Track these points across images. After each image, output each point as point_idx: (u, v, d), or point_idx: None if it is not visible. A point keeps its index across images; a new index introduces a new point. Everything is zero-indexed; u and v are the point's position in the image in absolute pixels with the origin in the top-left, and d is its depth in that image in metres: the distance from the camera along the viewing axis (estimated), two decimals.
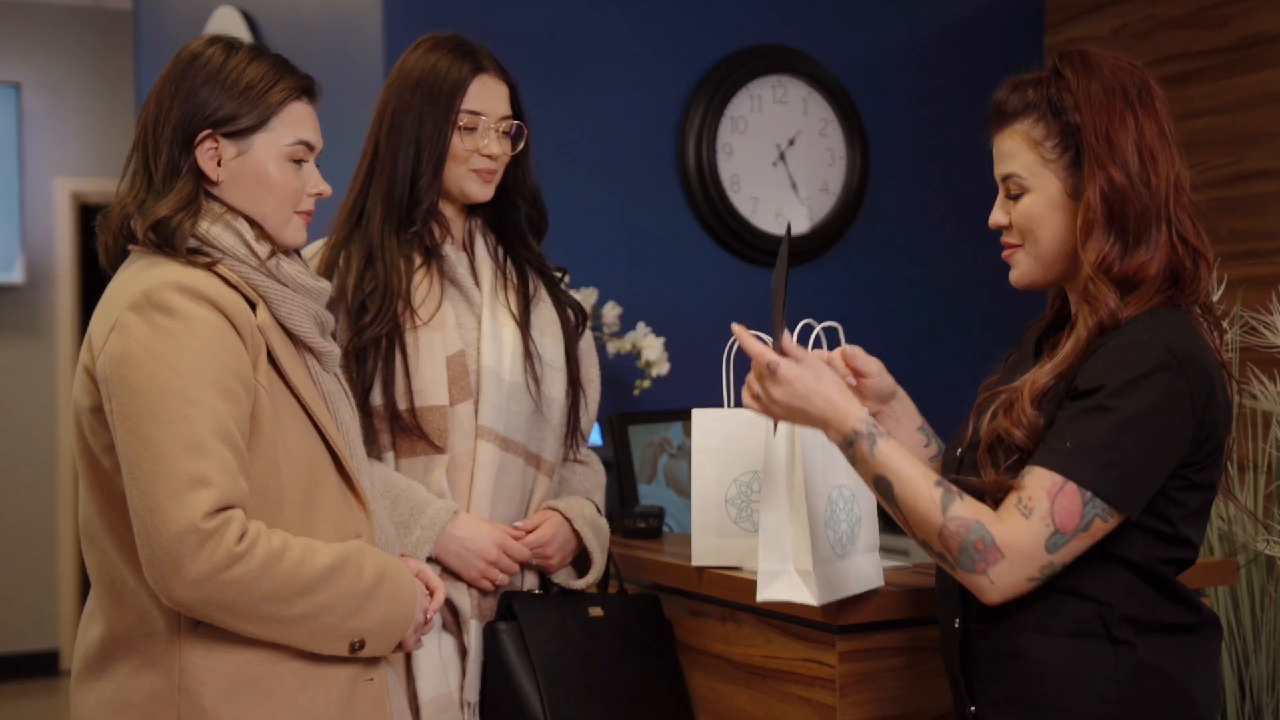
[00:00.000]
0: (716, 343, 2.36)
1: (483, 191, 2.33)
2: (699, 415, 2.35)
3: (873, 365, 2.01)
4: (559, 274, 2.46)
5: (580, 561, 2.39)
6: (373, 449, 2.26)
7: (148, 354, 1.69)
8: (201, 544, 1.65)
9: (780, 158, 3.67)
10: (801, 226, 3.67)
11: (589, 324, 2.48)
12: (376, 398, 2.25)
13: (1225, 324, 2.82)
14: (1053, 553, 1.71)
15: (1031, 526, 1.71)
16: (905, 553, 2.57)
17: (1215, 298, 2.80)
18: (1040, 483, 1.72)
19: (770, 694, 2.28)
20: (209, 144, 1.81)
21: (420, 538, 2.20)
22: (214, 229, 1.79)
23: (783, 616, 2.23)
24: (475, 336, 2.31)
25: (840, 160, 3.74)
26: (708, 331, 2.94)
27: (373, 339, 2.23)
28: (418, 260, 2.31)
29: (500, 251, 2.40)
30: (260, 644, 1.75)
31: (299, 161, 1.86)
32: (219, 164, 1.82)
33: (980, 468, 1.80)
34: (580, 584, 2.36)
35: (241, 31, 4.09)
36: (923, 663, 2.20)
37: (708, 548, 2.36)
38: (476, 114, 2.30)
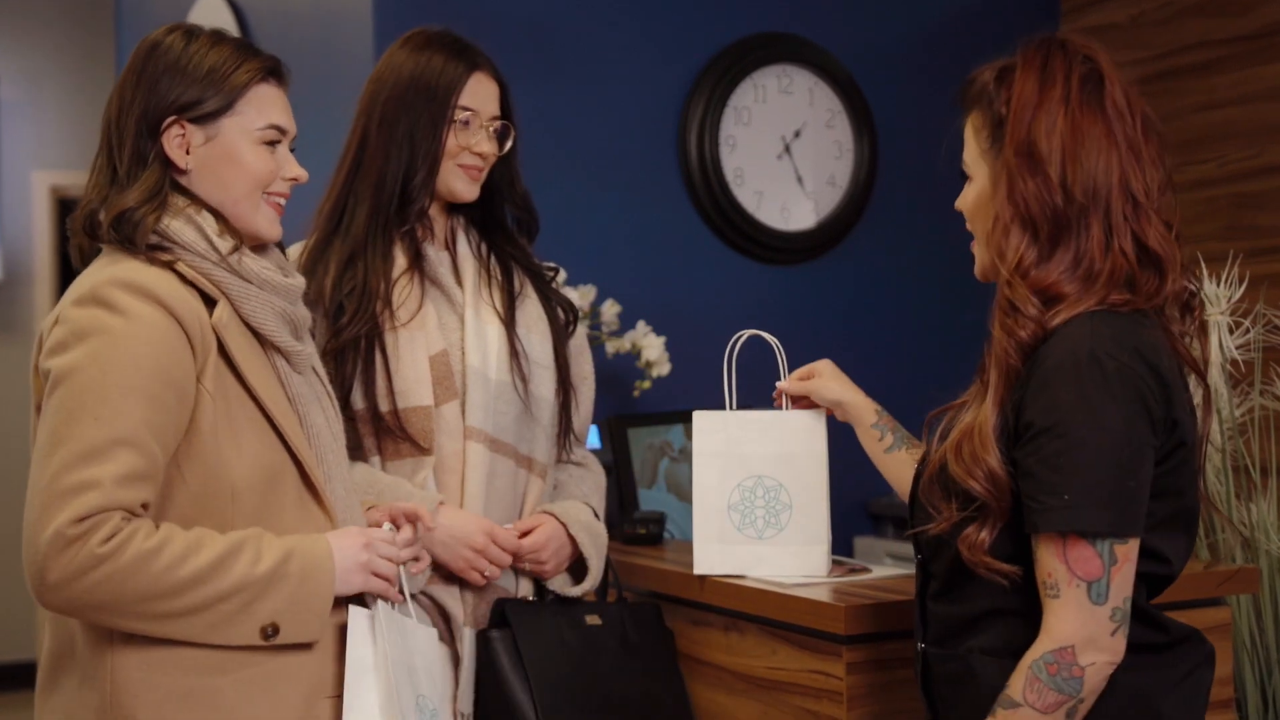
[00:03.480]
0: (719, 342, 2.36)
1: (469, 190, 2.32)
2: (701, 417, 2.34)
3: (805, 386, 2.21)
4: (550, 271, 2.45)
5: (577, 568, 2.36)
6: (358, 453, 2.25)
7: (80, 348, 1.69)
8: (63, 549, 1.64)
9: (785, 150, 3.67)
10: (808, 221, 3.68)
11: (579, 321, 2.47)
12: (358, 400, 2.24)
13: (1247, 323, 2.80)
14: (1100, 601, 1.64)
15: (1066, 605, 1.64)
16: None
17: (1236, 296, 2.76)
18: (1048, 552, 1.65)
19: (775, 706, 2.26)
20: (176, 130, 1.80)
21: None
22: (174, 224, 1.78)
23: (788, 626, 2.22)
24: (459, 336, 2.30)
25: (848, 153, 3.74)
26: (710, 330, 2.94)
27: (351, 340, 2.23)
28: (403, 261, 2.29)
29: (484, 249, 2.39)
30: (197, 657, 1.73)
31: (273, 144, 1.84)
32: (187, 151, 1.80)
33: (930, 498, 1.76)
34: (576, 591, 2.34)
35: (227, 21, 4.07)
36: None
37: (710, 555, 2.35)
38: (471, 110, 2.29)
